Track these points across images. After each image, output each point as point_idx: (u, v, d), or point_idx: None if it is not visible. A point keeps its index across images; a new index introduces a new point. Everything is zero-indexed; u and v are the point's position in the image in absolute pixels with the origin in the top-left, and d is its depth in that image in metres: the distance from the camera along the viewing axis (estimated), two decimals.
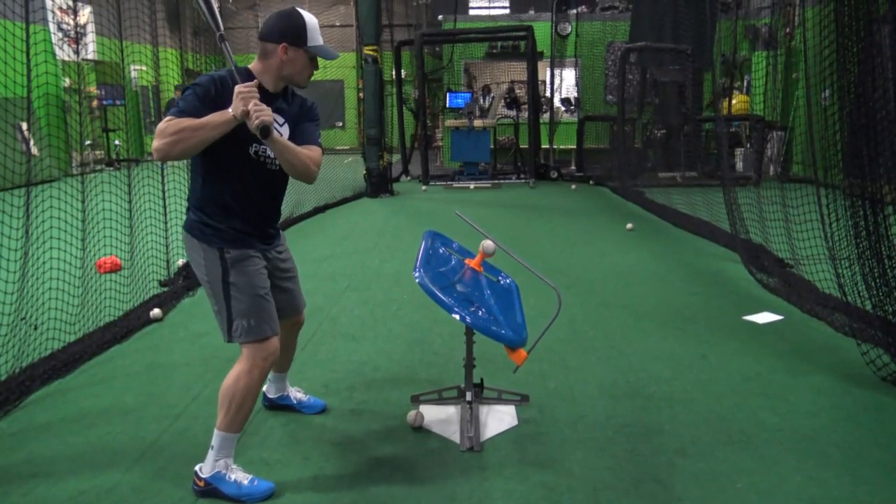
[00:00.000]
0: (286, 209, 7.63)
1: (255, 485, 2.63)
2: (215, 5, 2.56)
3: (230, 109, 2.39)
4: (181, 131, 2.34)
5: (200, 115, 2.39)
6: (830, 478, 2.72)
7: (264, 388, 3.35)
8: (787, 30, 12.43)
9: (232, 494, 2.60)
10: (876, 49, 3.74)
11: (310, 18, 2.60)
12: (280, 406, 3.36)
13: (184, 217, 2.74)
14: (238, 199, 2.63)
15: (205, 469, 2.64)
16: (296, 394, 3.39)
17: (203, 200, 2.63)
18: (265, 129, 2.39)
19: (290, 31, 2.55)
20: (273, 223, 2.83)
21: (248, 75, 2.58)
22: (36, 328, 4.07)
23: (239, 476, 2.64)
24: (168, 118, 2.38)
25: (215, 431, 2.63)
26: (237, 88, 2.38)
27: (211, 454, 2.64)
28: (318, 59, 2.66)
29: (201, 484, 2.63)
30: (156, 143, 2.35)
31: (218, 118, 2.39)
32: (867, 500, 2.58)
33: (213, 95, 2.47)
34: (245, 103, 2.36)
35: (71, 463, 2.90)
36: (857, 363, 3.75)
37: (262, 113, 2.37)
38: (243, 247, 2.65)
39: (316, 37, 2.60)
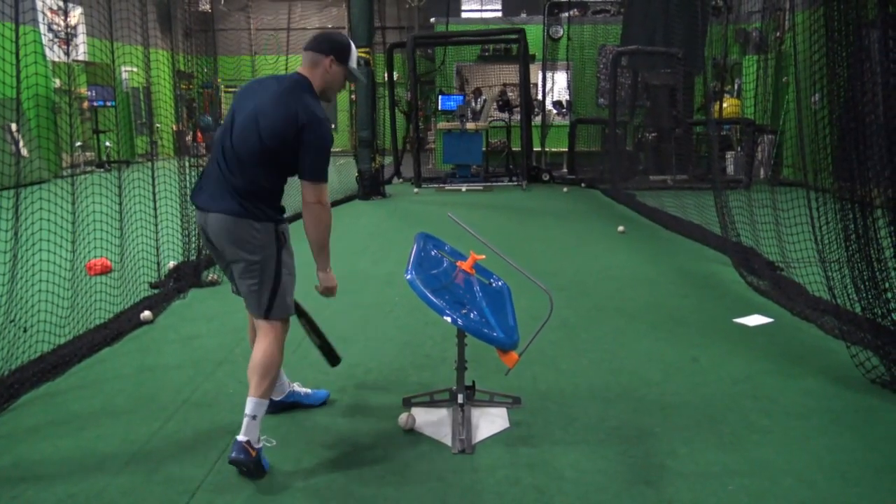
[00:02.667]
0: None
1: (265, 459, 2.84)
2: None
3: (333, 276, 3.08)
4: (329, 230, 2.95)
5: None
6: (820, 480, 2.73)
7: None
8: (778, 34, 12.51)
9: (266, 468, 2.78)
10: (865, 54, 3.77)
11: (352, 44, 3.02)
12: (286, 406, 3.36)
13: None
14: (279, 188, 2.95)
15: (254, 439, 2.73)
16: (299, 388, 3.43)
17: (266, 192, 2.85)
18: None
19: (338, 48, 2.93)
20: None
21: (304, 80, 2.89)
22: (25, 330, 4.04)
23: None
24: (323, 184, 2.84)
25: (252, 400, 2.75)
26: (333, 289, 3.13)
27: (254, 423, 2.74)
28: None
29: (254, 454, 2.72)
30: (325, 216, 2.88)
31: (327, 261, 3.03)
32: (856, 502, 2.59)
33: None
34: (329, 293, 3.12)
35: (60, 466, 2.88)
36: (846, 366, 3.77)
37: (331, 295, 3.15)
38: (284, 219, 2.93)
39: (355, 60, 3.01)
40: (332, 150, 2.90)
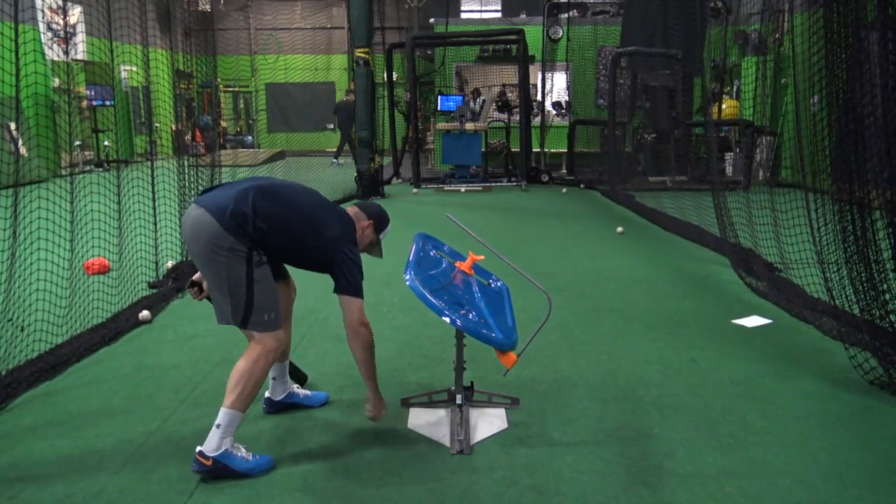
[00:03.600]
0: None
1: (259, 459, 2.83)
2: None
3: (381, 401, 3.16)
4: (371, 352, 3.09)
5: None
6: (818, 481, 2.73)
7: (267, 393, 3.37)
8: (777, 35, 12.52)
9: (242, 469, 2.76)
10: (864, 55, 3.77)
11: (389, 225, 3.29)
12: (285, 406, 3.37)
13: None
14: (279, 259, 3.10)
15: (210, 448, 2.73)
16: (299, 389, 3.45)
17: (257, 231, 2.80)
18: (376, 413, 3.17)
19: (378, 219, 3.22)
20: None
21: (351, 222, 3.11)
22: (23, 330, 4.03)
23: (243, 452, 2.81)
24: (361, 300, 3.00)
25: (223, 410, 2.76)
26: (380, 412, 3.17)
27: (217, 433, 2.75)
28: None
29: (208, 462, 2.72)
30: (366, 336, 3.02)
31: (374, 385, 3.12)
32: None
33: None
34: (375, 417, 3.17)
35: (58, 466, 2.88)
36: (845, 367, 3.77)
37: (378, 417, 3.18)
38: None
39: (386, 233, 3.27)
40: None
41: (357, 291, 2.97)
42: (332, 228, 2.97)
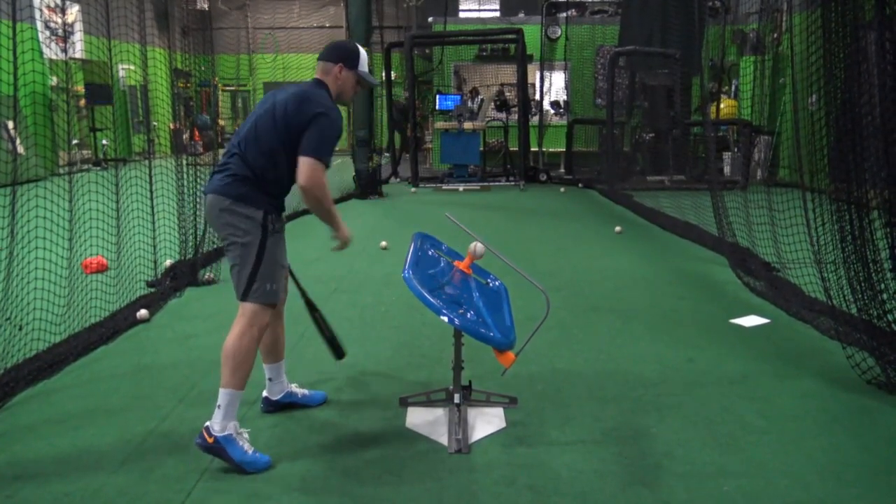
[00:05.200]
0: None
1: (257, 456, 2.82)
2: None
3: (346, 230, 3.09)
4: (326, 200, 2.95)
5: None
6: (816, 481, 2.74)
7: (265, 393, 3.36)
8: (775, 35, 12.52)
9: (237, 458, 2.77)
10: (862, 55, 3.78)
11: (362, 50, 3.14)
12: (283, 406, 3.37)
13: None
14: (284, 183, 3.00)
15: (215, 426, 2.78)
16: (297, 389, 3.44)
17: (262, 179, 2.91)
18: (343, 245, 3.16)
19: (346, 55, 3.07)
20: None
21: (320, 86, 3.03)
22: (21, 329, 4.03)
23: (245, 444, 2.82)
24: (321, 165, 2.86)
25: (221, 391, 2.80)
26: (348, 240, 3.12)
27: (219, 413, 2.79)
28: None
29: (210, 440, 2.77)
30: (316, 192, 2.87)
31: (338, 219, 3.05)
32: (852, 503, 2.60)
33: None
34: (346, 245, 3.14)
35: (56, 465, 2.87)
36: (842, 366, 3.78)
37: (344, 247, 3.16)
38: (279, 212, 3.00)
39: (364, 65, 3.13)
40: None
41: (313, 152, 2.86)
42: (308, 105, 2.90)
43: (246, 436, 2.86)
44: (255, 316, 2.88)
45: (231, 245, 2.92)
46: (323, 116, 2.89)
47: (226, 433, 2.78)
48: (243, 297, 2.88)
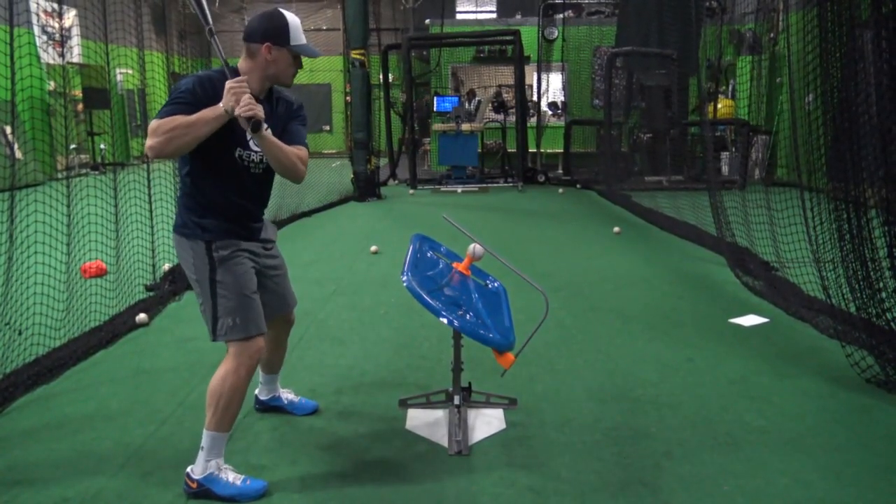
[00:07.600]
0: (269, 211, 7.60)
1: (248, 484, 2.65)
2: (204, 1, 2.61)
3: (221, 104, 2.43)
4: (175, 129, 2.39)
5: (190, 114, 2.42)
6: (816, 480, 2.74)
7: (256, 391, 3.35)
8: (772, 35, 12.55)
9: (225, 495, 2.61)
10: (858, 54, 3.79)
11: (292, 18, 2.63)
12: (271, 408, 3.36)
13: (172, 221, 2.78)
14: (223, 197, 2.68)
15: (196, 470, 2.65)
16: (287, 395, 3.39)
17: (191, 199, 2.67)
18: (256, 124, 2.42)
19: (272, 31, 2.60)
20: (257, 220, 2.85)
21: (236, 74, 2.61)
22: (20, 333, 4.03)
23: (231, 476, 2.65)
24: (158, 118, 2.41)
25: (204, 432, 2.64)
26: (228, 84, 2.43)
27: (202, 455, 2.64)
28: (303, 58, 2.69)
29: (193, 485, 2.64)
30: (150, 142, 2.39)
31: (210, 113, 2.42)
32: (852, 502, 2.60)
33: (200, 95, 2.50)
34: (237, 98, 2.41)
35: (55, 469, 2.87)
36: (842, 365, 3.78)
37: (253, 107, 2.41)
38: (228, 237, 2.68)
39: (299, 36, 2.63)
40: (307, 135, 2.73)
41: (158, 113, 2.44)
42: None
43: (230, 468, 2.69)
44: (238, 355, 2.61)
45: (192, 283, 2.72)
46: (173, 89, 2.54)
47: (206, 473, 2.62)
48: (213, 337, 2.66)
